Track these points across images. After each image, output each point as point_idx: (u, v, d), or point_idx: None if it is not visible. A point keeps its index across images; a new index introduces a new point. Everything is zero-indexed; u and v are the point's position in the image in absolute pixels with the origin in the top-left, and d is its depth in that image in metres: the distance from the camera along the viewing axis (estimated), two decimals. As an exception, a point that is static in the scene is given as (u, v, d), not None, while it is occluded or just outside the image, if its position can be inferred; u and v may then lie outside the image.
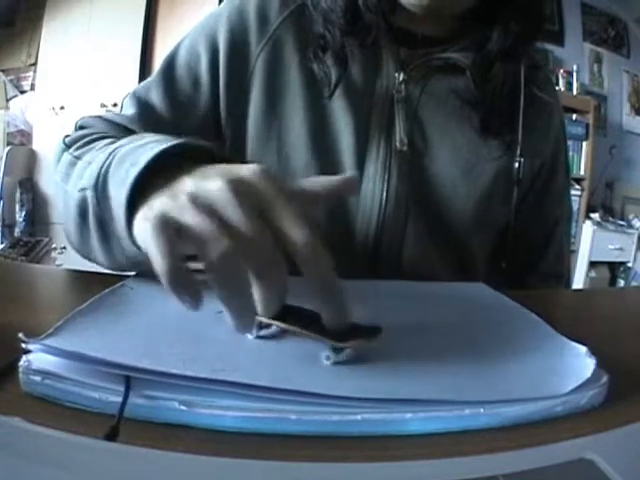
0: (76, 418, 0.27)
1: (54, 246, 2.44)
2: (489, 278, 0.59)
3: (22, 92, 2.71)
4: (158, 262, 0.29)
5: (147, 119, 0.59)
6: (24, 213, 2.60)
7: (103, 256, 0.45)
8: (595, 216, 3.02)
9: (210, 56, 0.60)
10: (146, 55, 2.42)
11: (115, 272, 0.49)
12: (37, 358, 0.29)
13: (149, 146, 0.37)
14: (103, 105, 2.43)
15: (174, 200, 0.31)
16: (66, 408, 0.27)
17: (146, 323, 0.37)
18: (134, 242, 0.35)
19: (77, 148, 0.51)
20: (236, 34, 0.61)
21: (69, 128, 0.59)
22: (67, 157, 0.50)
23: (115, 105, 2.41)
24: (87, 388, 0.27)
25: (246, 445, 0.25)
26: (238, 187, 0.31)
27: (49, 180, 2.60)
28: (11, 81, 2.71)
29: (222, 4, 0.63)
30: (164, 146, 0.36)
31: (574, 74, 3.03)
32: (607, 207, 3.24)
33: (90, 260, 0.49)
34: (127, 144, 0.41)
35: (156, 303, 0.42)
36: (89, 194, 0.41)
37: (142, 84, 0.63)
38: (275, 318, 0.33)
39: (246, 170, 0.32)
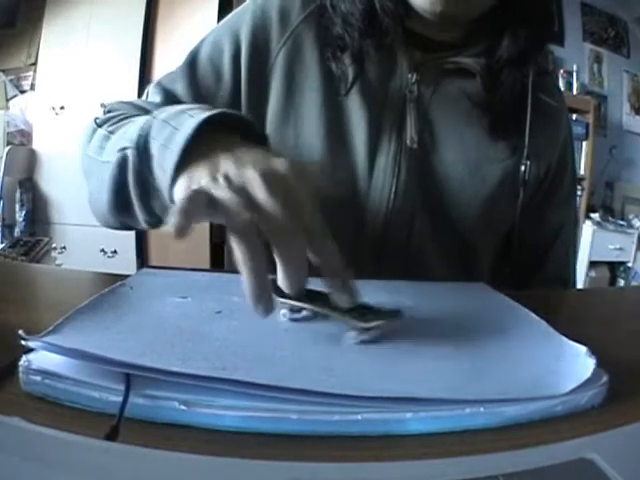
0: (76, 418, 0.26)
1: (54, 246, 2.44)
2: (493, 281, 0.59)
3: (22, 92, 2.70)
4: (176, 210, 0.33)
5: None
6: (24, 213, 2.59)
7: (140, 210, 0.47)
8: (595, 216, 3.02)
9: (233, 51, 0.63)
10: (146, 55, 2.41)
11: (150, 228, 0.51)
12: (37, 358, 0.29)
13: (192, 112, 0.41)
14: (103, 105, 2.42)
15: (213, 180, 0.36)
16: (66, 408, 0.27)
17: (146, 322, 0.37)
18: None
19: (110, 125, 0.53)
20: (258, 31, 0.63)
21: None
22: (101, 133, 0.53)
23: (115, 105, 2.40)
24: (87, 388, 0.27)
25: (246, 445, 0.25)
26: (269, 178, 0.35)
27: (49, 180, 2.61)
28: (11, 81, 2.70)
29: (246, 2, 0.66)
30: (208, 114, 0.40)
31: (574, 74, 3.03)
32: (607, 207, 3.24)
33: (118, 227, 0.53)
34: (166, 110, 0.44)
35: (156, 302, 0.42)
36: (130, 152, 0.44)
37: (167, 74, 0.65)
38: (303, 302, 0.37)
39: (279, 163, 0.37)
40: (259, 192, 0.35)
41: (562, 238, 0.72)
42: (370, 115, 0.62)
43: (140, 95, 0.67)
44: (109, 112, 0.59)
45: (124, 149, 0.45)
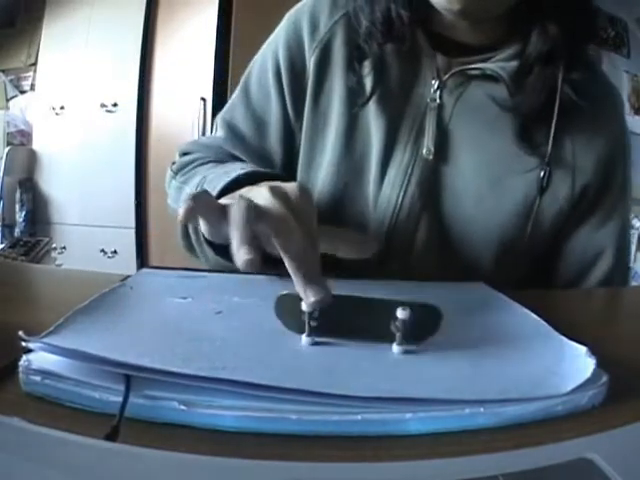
0: (76, 418, 0.26)
1: (54, 246, 2.44)
2: None
3: (22, 92, 2.70)
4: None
5: (233, 138, 0.68)
6: (24, 213, 2.59)
7: (203, 256, 0.56)
8: (595, 216, 3.01)
9: (274, 68, 0.66)
10: (146, 56, 2.41)
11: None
12: (37, 358, 0.29)
13: (229, 174, 0.52)
14: (103, 105, 2.42)
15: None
16: (66, 408, 0.27)
17: (146, 322, 0.37)
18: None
19: (182, 175, 0.66)
20: (293, 44, 0.65)
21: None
22: (175, 184, 0.66)
23: (115, 105, 2.40)
24: (87, 388, 0.27)
25: (246, 445, 0.25)
26: (275, 191, 0.40)
27: (49, 180, 2.61)
28: (11, 81, 2.70)
29: (283, 21, 0.68)
30: (235, 174, 0.51)
31: (574, 74, 3.02)
32: (607, 207, 3.23)
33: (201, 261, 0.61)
34: (214, 172, 0.56)
35: (156, 303, 0.42)
36: None
37: (228, 104, 0.71)
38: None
39: (289, 185, 0.42)
40: (262, 199, 0.39)
41: (600, 266, 0.64)
42: (387, 123, 0.61)
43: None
44: (184, 154, 0.70)
45: None
